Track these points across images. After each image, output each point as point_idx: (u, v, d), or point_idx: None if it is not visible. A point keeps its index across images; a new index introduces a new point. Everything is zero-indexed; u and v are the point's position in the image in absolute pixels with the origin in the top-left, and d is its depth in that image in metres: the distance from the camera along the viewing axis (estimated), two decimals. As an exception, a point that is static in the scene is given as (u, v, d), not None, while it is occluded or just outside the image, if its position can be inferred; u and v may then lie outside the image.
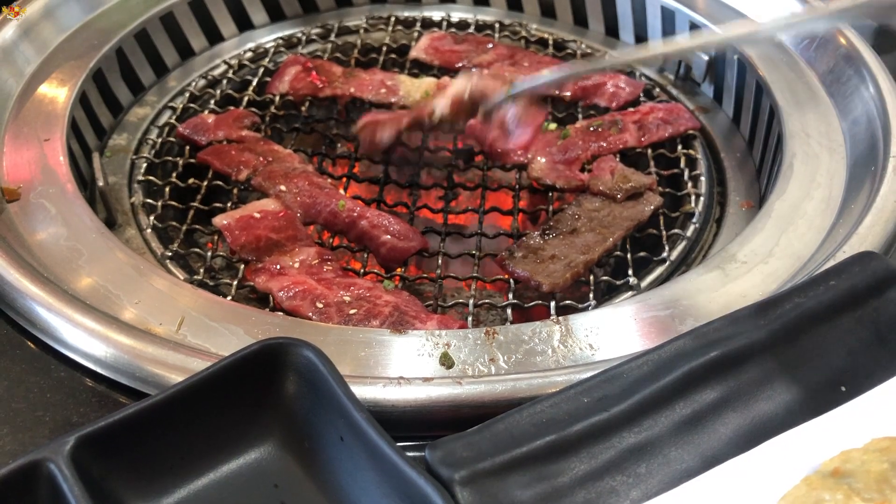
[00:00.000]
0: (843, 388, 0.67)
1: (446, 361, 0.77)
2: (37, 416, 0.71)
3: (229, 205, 1.04)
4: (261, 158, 1.09)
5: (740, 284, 0.84)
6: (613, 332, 0.79)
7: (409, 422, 0.70)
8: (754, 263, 0.86)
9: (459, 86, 1.05)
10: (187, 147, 1.13)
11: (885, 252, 0.84)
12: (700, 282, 0.84)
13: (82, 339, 0.75)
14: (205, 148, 1.12)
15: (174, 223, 1.02)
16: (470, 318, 0.89)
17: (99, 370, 0.74)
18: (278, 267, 0.94)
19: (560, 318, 0.81)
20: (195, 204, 1.04)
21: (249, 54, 1.32)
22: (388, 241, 0.98)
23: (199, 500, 0.63)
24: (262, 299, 0.93)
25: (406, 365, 0.76)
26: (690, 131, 1.16)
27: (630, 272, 0.95)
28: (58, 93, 1.08)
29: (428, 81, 1.22)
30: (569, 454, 0.62)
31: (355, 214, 1.00)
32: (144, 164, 1.10)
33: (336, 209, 1.00)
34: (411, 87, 1.21)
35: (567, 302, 0.91)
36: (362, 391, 0.69)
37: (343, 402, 0.63)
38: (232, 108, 1.20)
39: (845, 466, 0.57)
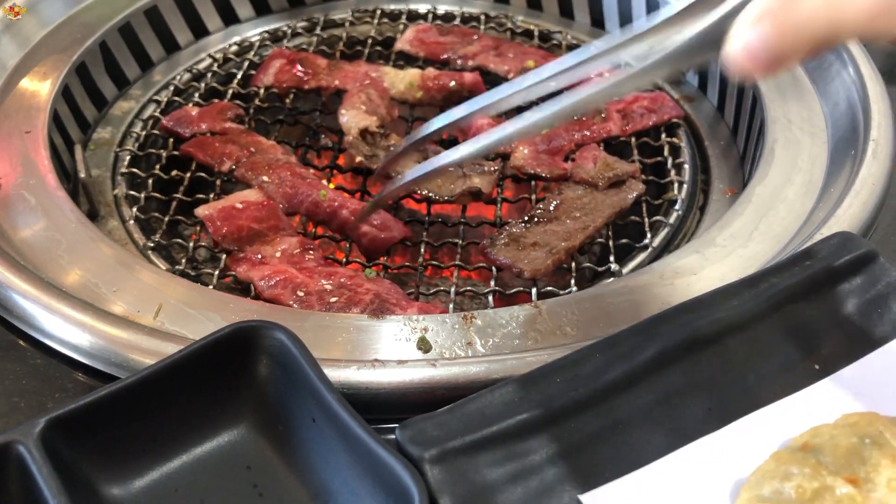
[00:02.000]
0: (817, 367, 0.67)
1: (423, 345, 0.77)
2: (12, 403, 0.71)
3: (212, 196, 1.04)
4: (244, 150, 1.09)
5: (719, 268, 0.84)
6: (591, 316, 0.79)
7: (384, 404, 0.70)
8: (733, 247, 0.86)
9: None
10: (171, 139, 1.13)
11: (864, 234, 0.84)
12: (678, 265, 0.84)
13: (58, 325, 0.75)
14: (188, 140, 1.12)
15: (157, 214, 1.02)
16: (451, 306, 0.89)
17: (75, 356, 0.74)
18: (260, 256, 0.94)
19: (539, 302, 0.81)
20: (178, 195, 1.04)
21: (235, 48, 1.32)
22: (368, 231, 0.98)
23: (171, 483, 0.63)
24: (244, 289, 0.93)
25: (383, 349, 0.76)
26: (674, 120, 1.16)
27: (612, 259, 0.95)
28: (40, 86, 1.08)
29: (412, 73, 1.22)
30: (540, 433, 0.61)
31: (336, 204, 1.00)
32: (128, 157, 1.10)
33: (317, 199, 1.00)
34: (395, 79, 1.21)
35: (549, 289, 0.91)
36: (336, 374, 0.69)
37: (315, 383, 0.63)
38: (216, 100, 1.20)
39: (814, 441, 0.57)
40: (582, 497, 0.58)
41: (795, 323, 0.69)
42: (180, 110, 1.17)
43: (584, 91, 0.69)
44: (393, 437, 0.63)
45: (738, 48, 0.55)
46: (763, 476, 0.55)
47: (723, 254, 0.85)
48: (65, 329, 0.74)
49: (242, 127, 1.15)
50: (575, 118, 1.14)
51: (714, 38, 0.59)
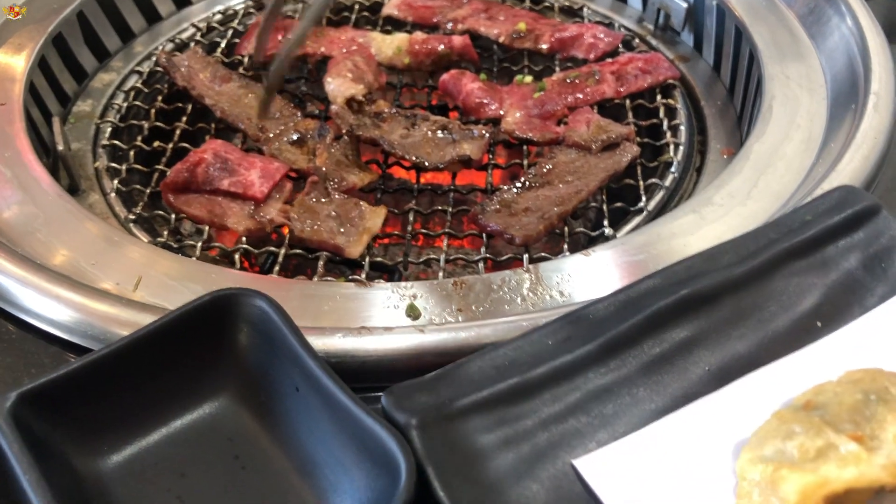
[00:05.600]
0: (819, 324, 0.64)
1: (412, 312, 0.74)
2: (-14, 379, 0.69)
3: (196, 167, 1.01)
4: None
5: (717, 227, 0.81)
6: (585, 279, 0.77)
7: (371, 372, 0.67)
8: (732, 206, 0.83)
9: None
10: (153, 110, 1.10)
11: (867, 188, 0.81)
12: (675, 226, 0.82)
13: (32, 298, 0.72)
14: None
15: (139, 187, 0.99)
16: (441, 274, 0.87)
17: (51, 330, 0.72)
18: None
19: (530, 266, 0.79)
20: (161, 167, 1.01)
21: (219, 17, 1.29)
22: None
23: (150, 456, 0.61)
24: (230, 262, 0.90)
25: (372, 317, 0.74)
26: (670, 81, 1.13)
27: (606, 223, 0.92)
28: (15, 58, 1.05)
29: (400, 37, 1.19)
30: (532, 396, 0.59)
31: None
32: (109, 129, 1.07)
33: None
34: (383, 44, 1.18)
35: (542, 255, 0.88)
36: (321, 342, 0.66)
37: (298, 351, 0.60)
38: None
39: (818, 399, 0.55)
40: (575, 462, 0.56)
41: (796, 280, 0.67)
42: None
43: None
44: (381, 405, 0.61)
45: None
46: (765, 435, 0.53)
47: (721, 213, 0.83)
48: (39, 302, 0.72)
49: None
50: (567, 81, 1.11)
51: None
